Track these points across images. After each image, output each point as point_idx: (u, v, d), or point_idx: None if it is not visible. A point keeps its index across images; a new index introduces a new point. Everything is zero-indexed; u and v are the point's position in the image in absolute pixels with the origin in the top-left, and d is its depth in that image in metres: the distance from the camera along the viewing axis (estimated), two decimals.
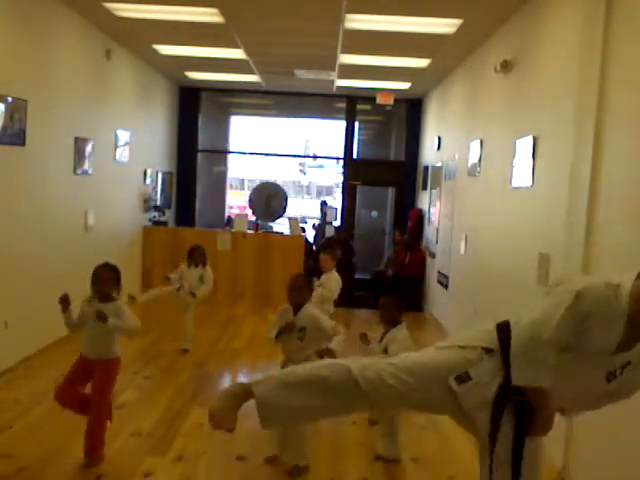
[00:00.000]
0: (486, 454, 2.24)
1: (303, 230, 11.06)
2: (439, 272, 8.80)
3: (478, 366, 2.22)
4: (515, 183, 5.40)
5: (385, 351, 4.13)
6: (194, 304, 6.54)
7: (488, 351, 2.24)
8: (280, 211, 10.64)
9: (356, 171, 11.72)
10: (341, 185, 12.15)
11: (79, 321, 3.85)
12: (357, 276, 10.44)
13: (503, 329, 2.24)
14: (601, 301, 2.04)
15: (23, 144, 5.61)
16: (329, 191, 23.63)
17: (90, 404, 3.80)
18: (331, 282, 6.15)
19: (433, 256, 9.33)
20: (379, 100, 10.09)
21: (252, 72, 9.36)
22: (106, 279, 3.80)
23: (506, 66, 5.84)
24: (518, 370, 2.14)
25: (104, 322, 3.68)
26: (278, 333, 3.94)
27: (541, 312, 2.13)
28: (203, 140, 11.82)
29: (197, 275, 6.48)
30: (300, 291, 3.95)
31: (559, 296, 2.12)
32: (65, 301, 3.73)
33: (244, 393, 2.31)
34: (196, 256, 6.48)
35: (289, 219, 10.59)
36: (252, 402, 2.26)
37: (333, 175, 18.78)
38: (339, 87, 10.25)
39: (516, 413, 2.19)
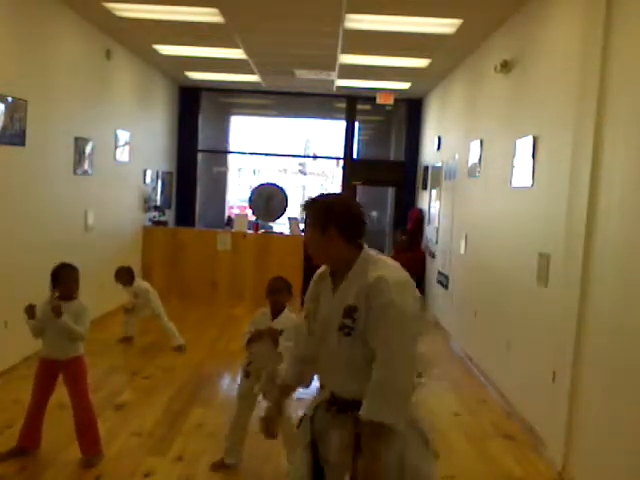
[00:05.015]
0: None
1: None
2: (439, 272, 8.80)
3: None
4: (515, 183, 5.40)
5: None
6: (160, 309, 6.64)
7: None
8: (280, 211, 10.63)
9: (356, 171, 11.72)
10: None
11: (40, 323, 3.81)
12: None
13: None
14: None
15: (23, 144, 5.61)
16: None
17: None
18: None
19: (433, 256, 9.33)
20: (379, 100, 10.08)
21: (252, 72, 9.36)
22: (71, 279, 3.81)
23: (506, 66, 5.84)
24: None
25: (58, 317, 3.67)
26: (249, 340, 3.83)
27: None
28: (203, 140, 11.82)
29: (131, 292, 6.59)
30: (280, 293, 3.82)
31: None
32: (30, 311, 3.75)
33: None
34: (120, 277, 6.55)
35: (289, 219, 10.59)
36: None
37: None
38: (339, 87, 10.25)
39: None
